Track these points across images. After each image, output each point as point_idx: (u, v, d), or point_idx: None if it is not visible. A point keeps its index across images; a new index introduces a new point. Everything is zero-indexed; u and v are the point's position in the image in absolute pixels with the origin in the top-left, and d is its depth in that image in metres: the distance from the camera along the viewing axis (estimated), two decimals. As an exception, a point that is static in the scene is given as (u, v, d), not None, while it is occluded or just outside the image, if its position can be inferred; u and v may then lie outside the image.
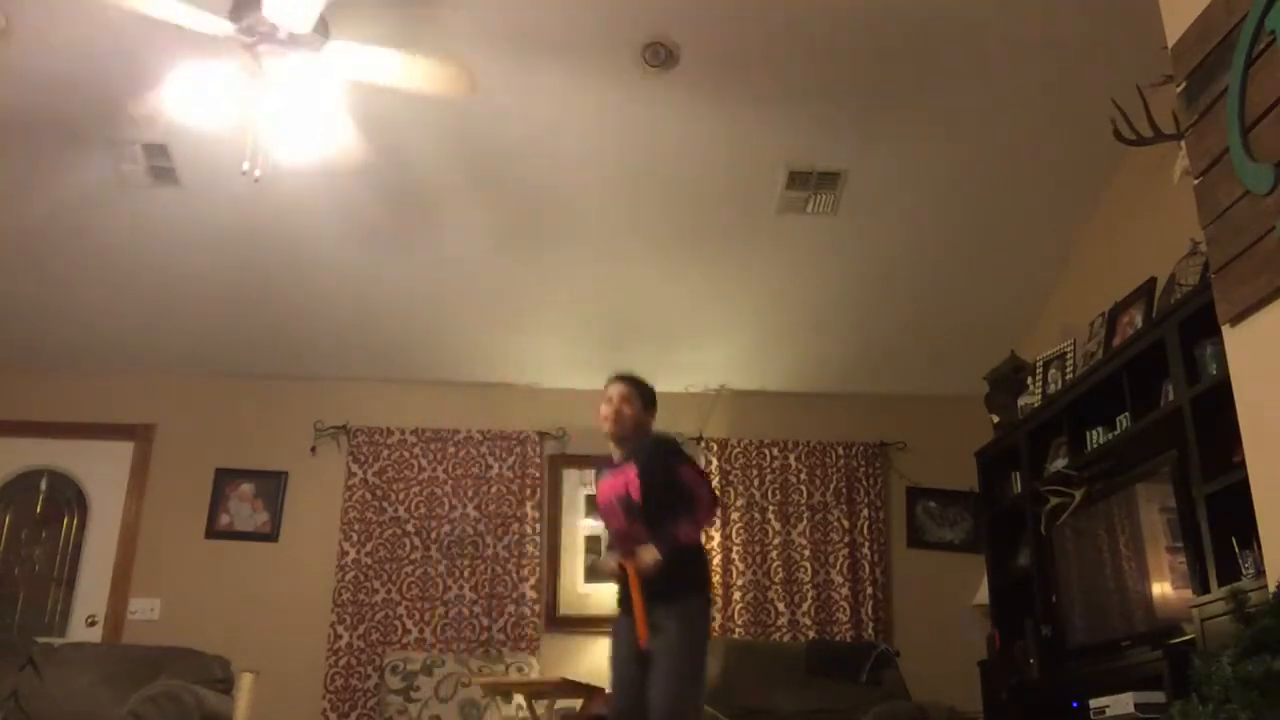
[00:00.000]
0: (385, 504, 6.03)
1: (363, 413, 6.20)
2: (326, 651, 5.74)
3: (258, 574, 5.86)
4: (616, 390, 3.89)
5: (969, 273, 5.68)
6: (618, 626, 3.79)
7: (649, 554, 3.58)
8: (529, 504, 6.10)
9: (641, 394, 3.92)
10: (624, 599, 3.71)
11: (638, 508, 3.70)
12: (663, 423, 6.39)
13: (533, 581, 5.96)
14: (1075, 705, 4.15)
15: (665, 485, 3.72)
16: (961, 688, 5.36)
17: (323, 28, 3.89)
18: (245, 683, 4.59)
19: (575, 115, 4.84)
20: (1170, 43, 3.00)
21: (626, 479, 3.76)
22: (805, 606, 5.98)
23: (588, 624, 5.94)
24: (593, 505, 6.17)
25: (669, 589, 3.58)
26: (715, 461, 6.22)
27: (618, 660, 3.73)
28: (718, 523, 6.11)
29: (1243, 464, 2.81)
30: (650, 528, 3.64)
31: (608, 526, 3.94)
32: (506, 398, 6.24)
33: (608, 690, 5.39)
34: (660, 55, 4.55)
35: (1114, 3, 4.21)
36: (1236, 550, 3.38)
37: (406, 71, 3.92)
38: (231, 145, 4.25)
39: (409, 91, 4.06)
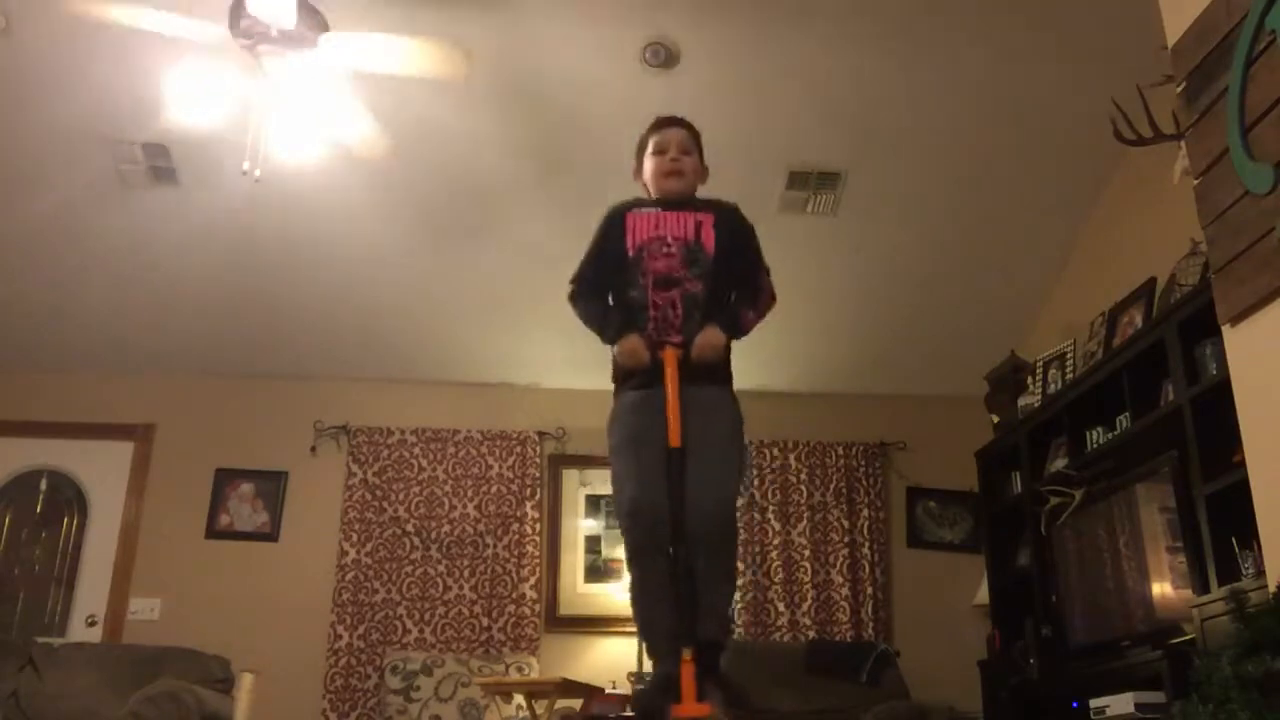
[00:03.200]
0: (385, 504, 6.03)
1: (363, 413, 6.20)
2: (326, 651, 5.74)
3: (258, 574, 5.86)
4: (675, 137, 3.11)
5: (969, 273, 5.68)
6: (638, 404, 2.93)
7: (715, 335, 2.91)
8: (529, 504, 6.10)
9: (698, 144, 3.17)
10: (643, 379, 2.92)
11: (708, 260, 2.97)
12: (663, 423, 6.47)
13: (533, 581, 5.96)
14: (1075, 705, 4.14)
15: (742, 252, 3.05)
16: (961, 688, 5.36)
17: (320, 23, 3.89)
18: (245, 683, 4.59)
19: (575, 114, 4.84)
20: (1170, 43, 3.00)
21: (695, 221, 3.01)
22: (805, 606, 5.98)
23: (588, 624, 5.95)
24: (593, 505, 6.19)
25: (710, 384, 2.94)
26: (715, 461, 6.21)
27: (643, 447, 2.83)
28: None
29: (1243, 464, 2.81)
30: (712, 294, 2.97)
31: (647, 266, 2.98)
32: (506, 398, 6.24)
33: (607, 690, 5.43)
34: (660, 55, 4.56)
35: (1114, 3, 4.21)
36: (1236, 550, 3.38)
37: (403, 55, 3.90)
38: (231, 145, 4.26)
39: (408, 92, 4.06)
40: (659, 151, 3.11)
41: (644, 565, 2.79)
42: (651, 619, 2.80)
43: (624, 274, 3.02)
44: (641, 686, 3.58)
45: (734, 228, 3.06)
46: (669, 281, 2.97)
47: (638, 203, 3.11)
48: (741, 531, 6.10)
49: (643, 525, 2.77)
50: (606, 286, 3.09)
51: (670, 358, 2.87)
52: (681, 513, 2.72)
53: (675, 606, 2.70)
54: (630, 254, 3.01)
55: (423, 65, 3.93)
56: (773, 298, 3.22)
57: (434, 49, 3.90)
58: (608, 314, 3.08)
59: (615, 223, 3.08)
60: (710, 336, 2.91)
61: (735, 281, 3.06)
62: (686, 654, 2.59)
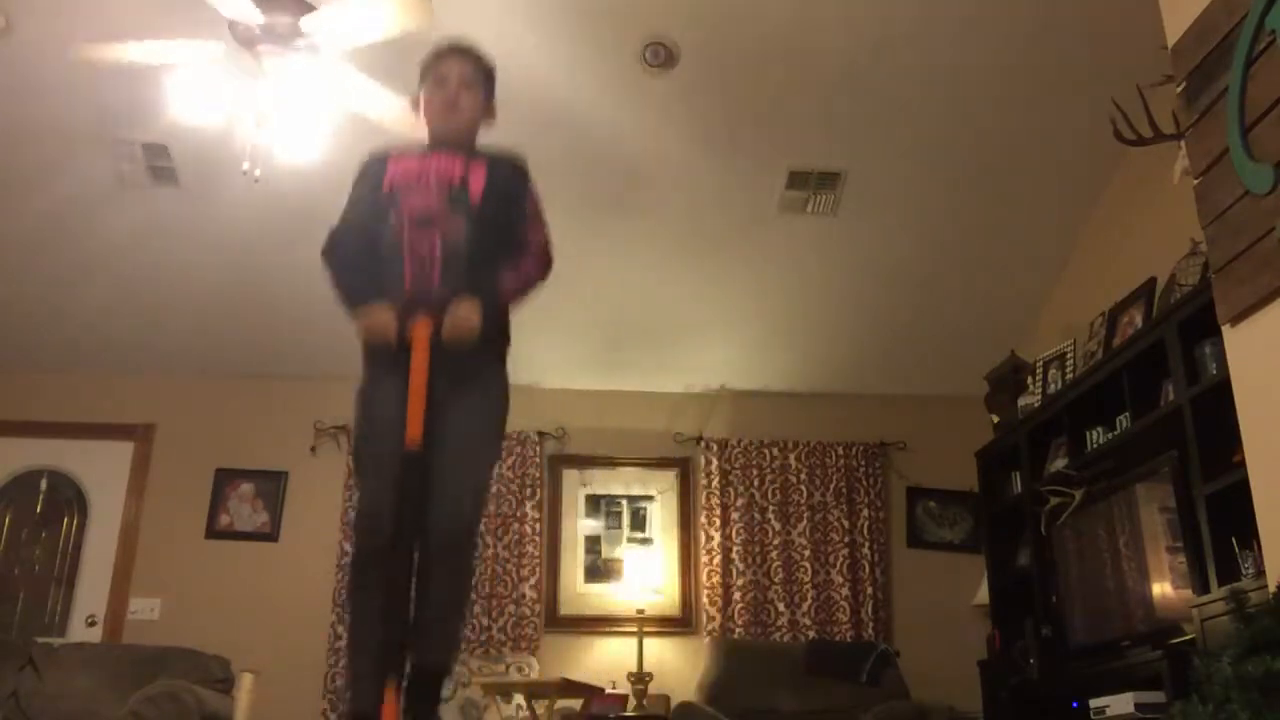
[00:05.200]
0: (385, 504, 6.02)
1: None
2: (326, 651, 5.74)
3: (258, 574, 5.86)
4: (457, 68, 2.76)
5: (969, 273, 5.68)
6: (376, 388, 2.64)
7: (470, 311, 2.50)
8: (529, 504, 6.10)
9: (487, 79, 2.82)
10: (389, 358, 2.54)
11: (472, 205, 2.62)
12: (662, 423, 6.49)
13: (533, 581, 5.96)
14: (1075, 705, 4.14)
15: (511, 203, 2.70)
16: (961, 688, 5.35)
17: (298, 7, 3.88)
18: (245, 683, 4.59)
19: (575, 115, 4.84)
20: (1170, 43, 3.00)
21: (464, 166, 2.68)
22: (805, 606, 5.98)
23: (588, 624, 5.95)
24: (593, 505, 6.19)
25: (473, 359, 2.55)
26: (715, 461, 6.22)
27: (381, 443, 2.50)
28: (717, 521, 6.11)
29: (1243, 464, 2.81)
30: (476, 244, 2.60)
31: (404, 204, 2.63)
32: (506, 397, 6.23)
33: (607, 690, 5.43)
34: (660, 55, 4.56)
35: (1114, 3, 4.21)
36: (1236, 550, 3.38)
37: (388, 15, 3.80)
38: (231, 145, 4.26)
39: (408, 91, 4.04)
40: (438, 83, 2.76)
41: (358, 579, 2.50)
42: (356, 641, 2.46)
43: (378, 218, 2.64)
44: None
45: (508, 176, 2.73)
46: (426, 219, 2.59)
47: (406, 147, 2.80)
48: (742, 532, 6.11)
49: (363, 531, 2.50)
50: (367, 243, 2.65)
51: (420, 335, 2.47)
52: (416, 517, 2.40)
53: (388, 627, 2.33)
54: (385, 191, 2.66)
55: (390, 21, 3.81)
56: (546, 259, 2.76)
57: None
58: (355, 275, 2.64)
59: (374, 166, 2.75)
60: (463, 316, 2.50)
61: (501, 236, 2.66)
62: (390, 686, 2.21)
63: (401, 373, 2.47)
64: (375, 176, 2.72)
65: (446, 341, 2.48)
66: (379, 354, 2.60)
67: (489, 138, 2.84)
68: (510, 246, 2.69)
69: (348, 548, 5.90)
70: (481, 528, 2.63)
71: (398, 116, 3.93)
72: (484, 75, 2.81)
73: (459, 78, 2.76)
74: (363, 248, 2.65)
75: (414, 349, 2.46)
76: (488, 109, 2.82)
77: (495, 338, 2.66)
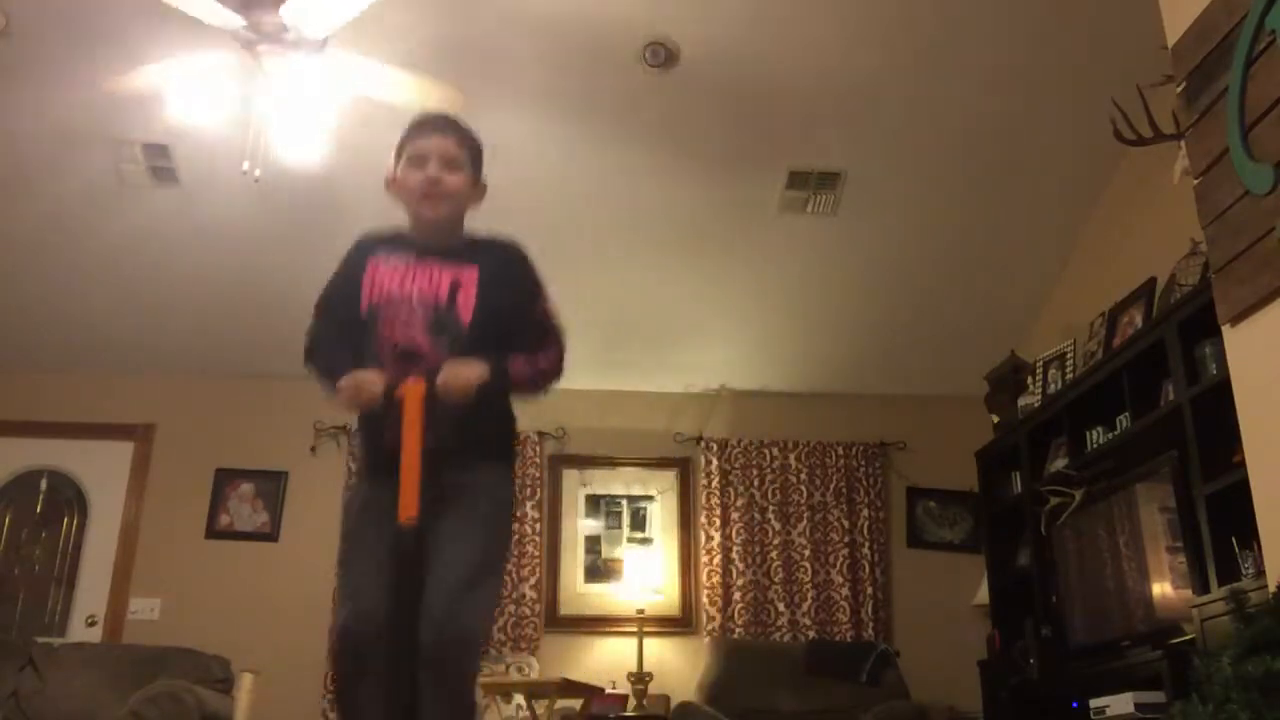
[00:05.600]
0: (385, 504, 6.02)
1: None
2: (326, 651, 5.73)
3: (258, 574, 5.86)
4: (438, 146, 2.40)
5: (969, 273, 5.68)
6: (360, 497, 2.43)
7: (469, 370, 2.24)
8: (529, 504, 6.09)
9: (474, 156, 2.47)
10: (379, 456, 2.30)
11: (459, 329, 2.33)
12: (662, 423, 6.49)
13: (533, 581, 5.96)
14: (1075, 705, 4.14)
15: (513, 313, 2.41)
16: (961, 688, 5.36)
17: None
18: (245, 683, 4.59)
19: (575, 115, 4.84)
20: (1170, 43, 3.00)
21: (452, 280, 2.37)
22: (805, 606, 5.98)
23: (588, 624, 5.95)
24: (593, 505, 6.19)
25: (472, 441, 2.29)
26: (715, 461, 6.22)
27: (361, 549, 2.28)
28: (717, 521, 6.11)
29: (1243, 464, 2.81)
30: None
31: (383, 334, 2.35)
32: (506, 398, 6.23)
33: (607, 690, 5.44)
34: (660, 55, 4.55)
35: (1114, 3, 4.21)
36: (1236, 550, 3.38)
37: (399, 88, 3.92)
38: (231, 145, 4.26)
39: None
40: (415, 163, 2.40)
41: (347, 681, 2.20)
42: None
43: (358, 335, 2.38)
44: None
45: (505, 284, 2.40)
46: (409, 356, 2.29)
47: (393, 239, 2.47)
48: (742, 532, 6.10)
49: (350, 643, 2.17)
50: (346, 347, 2.39)
51: (413, 394, 2.20)
52: (409, 620, 2.09)
53: None
54: (365, 311, 2.37)
55: (417, 98, 3.92)
56: (560, 349, 2.49)
57: (429, 86, 3.91)
58: (336, 354, 2.38)
59: (357, 262, 2.46)
60: (461, 370, 2.23)
61: (504, 343, 2.36)
62: None
63: (391, 475, 2.18)
64: (354, 281, 2.42)
65: (443, 391, 2.21)
66: (369, 462, 2.40)
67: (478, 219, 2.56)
68: (519, 343, 2.39)
69: (348, 548, 5.90)
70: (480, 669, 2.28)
71: (404, 96, 3.94)
72: (470, 152, 2.46)
73: (440, 157, 2.40)
74: (342, 350, 2.38)
75: (405, 410, 2.19)
76: (475, 190, 2.47)
77: (500, 434, 2.42)
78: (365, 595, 2.18)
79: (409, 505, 2.13)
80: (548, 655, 5.81)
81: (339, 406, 2.33)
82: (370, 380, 2.25)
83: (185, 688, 4.48)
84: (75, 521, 6.02)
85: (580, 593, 6.05)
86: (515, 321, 2.41)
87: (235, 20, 3.75)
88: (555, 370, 2.47)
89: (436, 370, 2.24)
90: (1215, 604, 2.86)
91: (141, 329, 5.89)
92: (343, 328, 2.42)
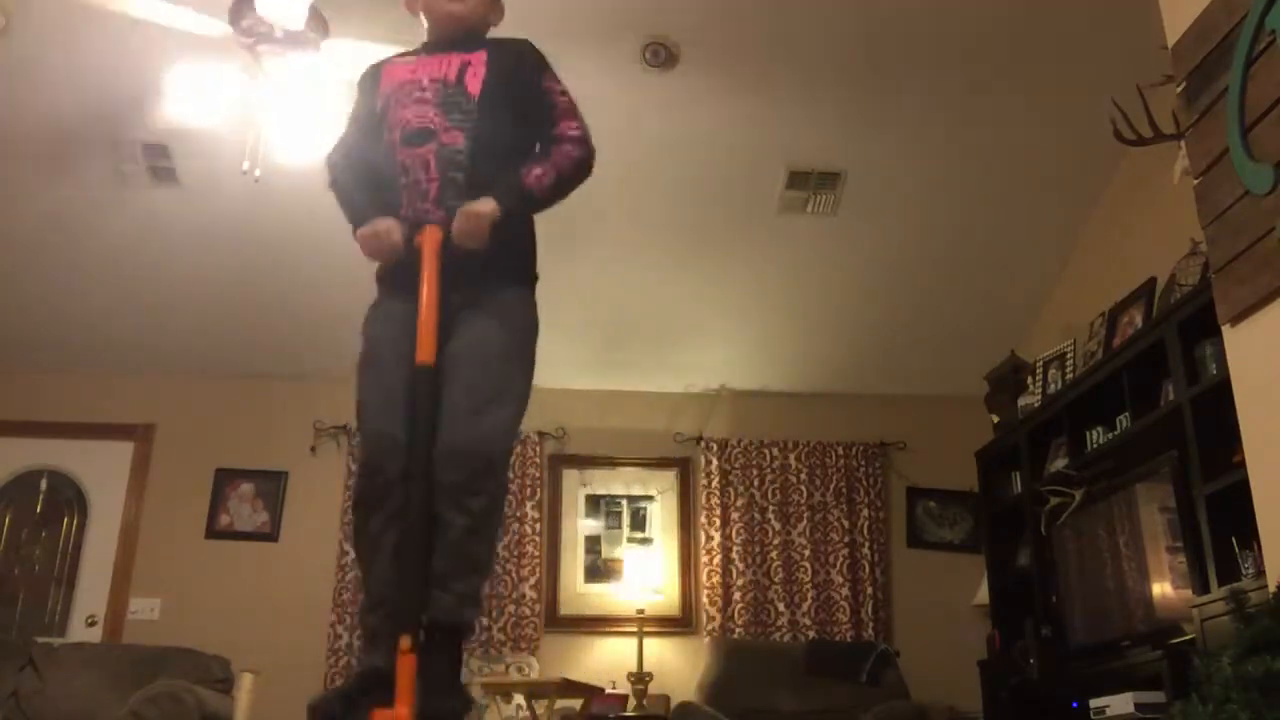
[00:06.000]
0: (385, 504, 6.02)
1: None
2: (326, 651, 5.73)
3: (258, 574, 5.86)
4: None
5: (969, 273, 5.68)
6: (380, 313, 2.38)
7: (482, 211, 2.19)
8: (529, 504, 6.09)
9: None
10: (400, 269, 2.27)
11: (471, 104, 2.31)
12: (662, 423, 6.49)
13: (533, 581, 5.96)
14: (1075, 705, 4.15)
15: (527, 93, 2.40)
16: (961, 688, 5.36)
17: (322, 26, 3.90)
18: (245, 683, 4.59)
19: (575, 115, 4.84)
20: (1170, 43, 3.00)
21: (461, 61, 2.38)
22: (805, 606, 5.98)
23: (588, 624, 5.95)
24: (593, 505, 6.19)
25: (491, 271, 2.27)
26: (715, 461, 6.22)
27: (378, 373, 2.29)
28: (717, 521, 6.11)
29: (1243, 464, 2.81)
30: (481, 150, 2.29)
31: (395, 117, 2.35)
32: (506, 398, 6.22)
33: (607, 690, 5.43)
34: (660, 55, 4.56)
35: (1114, 3, 4.21)
36: (1236, 550, 3.38)
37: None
38: (231, 145, 4.26)
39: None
40: None
41: (366, 517, 2.18)
42: (370, 589, 2.18)
43: (374, 138, 2.38)
44: (332, 690, 2.70)
45: (514, 63, 2.40)
46: (420, 135, 2.29)
47: (403, 53, 2.51)
48: (742, 532, 6.10)
49: (371, 465, 2.19)
50: (366, 169, 2.41)
51: (430, 241, 2.19)
52: (428, 449, 2.09)
53: (403, 574, 2.06)
54: (379, 106, 2.39)
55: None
56: (584, 146, 2.40)
57: None
58: (358, 197, 2.38)
59: (367, 79, 2.49)
60: (473, 213, 2.18)
61: (518, 134, 2.35)
62: (405, 642, 1.97)
63: (412, 291, 2.18)
64: (369, 91, 2.46)
65: (457, 240, 2.19)
66: (389, 277, 2.35)
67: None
68: (529, 142, 2.37)
69: (347, 548, 5.90)
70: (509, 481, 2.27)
71: None
72: None
73: None
74: (362, 174, 2.40)
75: (424, 258, 2.18)
76: (495, 5, 2.54)
77: (518, 255, 2.36)
78: (383, 424, 2.18)
79: (426, 349, 2.14)
80: (548, 655, 5.81)
81: (361, 249, 2.30)
82: (388, 229, 2.23)
83: (185, 688, 4.48)
84: (75, 521, 6.01)
85: (580, 593, 6.05)
86: (526, 92, 2.40)
87: (224, 28, 3.76)
88: (580, 161, 2.40)
89: (445, 157, 2.25)
90: (1215, 604, 2.86)
91: (141, 329, 5.89)
92: (362, 159, 2.41)
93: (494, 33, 2.58)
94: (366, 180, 2.38)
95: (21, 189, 5.09)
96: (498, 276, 2.30)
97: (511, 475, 6.10)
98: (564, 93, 2.46)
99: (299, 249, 5.41)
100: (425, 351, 2.14)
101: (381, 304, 2.37)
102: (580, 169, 2.39)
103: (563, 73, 4.80)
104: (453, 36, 2.46)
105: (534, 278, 2.45)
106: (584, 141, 2.40)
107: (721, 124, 4.90)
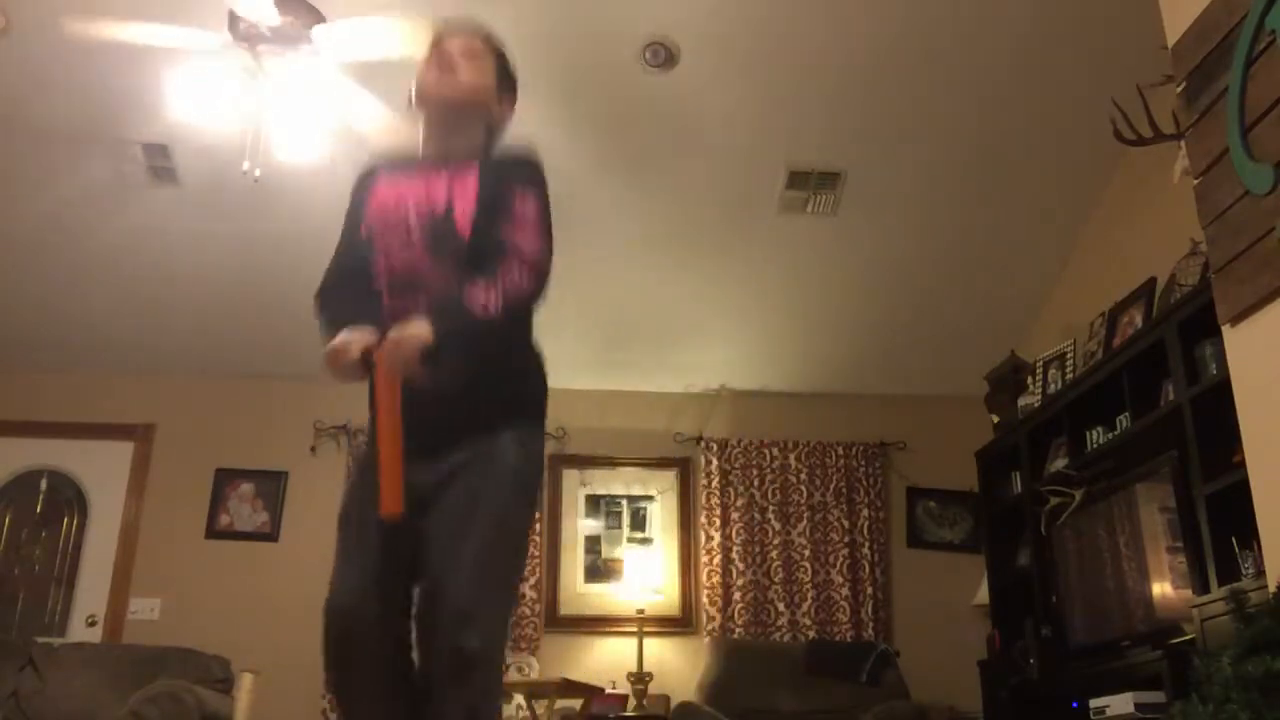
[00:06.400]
0: (385, 504, 6.02)
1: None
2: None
3: (258, 574, 5.86)
4: (456, 42, 2.20)
5: (969, 272, 5.68)
6: (361, 460, 2.24)
7: (410, 333, 1.92)
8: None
9: (500, 62, 2.26)
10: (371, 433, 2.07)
11: (459, 242, 2.05)
12: (662, 423, 6.49)
13: (533, 581, 5.96)
14: (1075, 705, 4.15)
15: (503, 214, 2.09)
16: (961, 688, 5.36)
17: (311, 15, 3.89)
18: (245, 683, 4.59)
19: (574, 114, 4.84)
20: (1170, 43, 3.00)
21: (445, 188, 2.10)
22: (805, 606, 5.98)
23: (588, 624, 5.95)
24: (593, 505, 6.19)
25: (473, 407, 2.01)
26: (715, 461, 6.22)
27: (350, 525, 2.14)
28: (717, 521, 6.10)
29: (1243, 464, 2.81)
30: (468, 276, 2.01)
31: (381, 263, 2.11)
32: (506, 398, 6.23)
33: (607, 690, 5.43)
34: (660, 55, 4.55)
35: (1113, 3, 4.21)
36: (1236, 550, 3.38)
37: (395, 38, 3.86)
38: (231, 145, 4.26)
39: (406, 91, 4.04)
40: (433, 60, 2.20)
41: (340, 686, 1.98)
42: None
43: (365, 266, 2.12)
44: None
45: (503, 177, 2.11)
46: (409, 285, 2.04)
47: (401, 158, 2.23)
48: (742, 532, 6.10)
49: (335, 631, 1.95)
50: (355, 291, 2.14)
51: (381, 364, 1.92)
52: (393, 626, 1.90)
53: None
54: (364, 233, 2.13)
55: (394, 44, 3.86)
56: (533, 270, 2.03)
57: (411, 27, 3.84)
58: (342, 305, 2.13)
59: (358, 192, 2.22)
60: (398, 340, 1.91)
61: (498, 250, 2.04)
62: None
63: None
64: (358, 205, 2.21)
65: (387, 364, 1.91)
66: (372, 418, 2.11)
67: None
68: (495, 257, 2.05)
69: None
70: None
71: (386, 128, 3.93)
72: (492, 51, 2.24)
73: (459, 48, 2.18)
74: (349, 296, 2.14)
75: (377, 376, 1.92)
76: (501, 97, 2.23)
77: (505, 387, 2.07)
78: (347, 580, 1.98)
79: (390, 498, 1.85)
80: (548, 655, 5.81)
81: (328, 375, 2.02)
82: (345, 344, 1.96)
83: (185, 688, 4.48)
84: (75, 521, 6.02)
85: (580, 593, 6.05)
86: (502, 205, 2.08)
87: (271, 16, 3.76)
88: (528, 296, 2.03)
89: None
90: (1215, 604, 2.86)
91: (141, 329, 5.89)
92: (354, 273, 2.14)
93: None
94: (353, 293, 2.12)
95: (21, 189, 5.09)
96: (483, 424, 2.01)
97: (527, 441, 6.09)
98: (539, 207, 2.11)
99: (299, 249, 5.38)
100: (389, 502, 1.85)
101: (366, 451, 2.14)
102: (527, 301, 2.04)
103: (562, 73, 4.80)
104: (448, 140, 2.17)
105: (532, 414, 2.14)
106: (538, 272, 2.03)
107: (721, 124, 4.90)
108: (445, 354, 1.89)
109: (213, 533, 6.00)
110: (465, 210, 2.06)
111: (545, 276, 2.06)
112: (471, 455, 1.98)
